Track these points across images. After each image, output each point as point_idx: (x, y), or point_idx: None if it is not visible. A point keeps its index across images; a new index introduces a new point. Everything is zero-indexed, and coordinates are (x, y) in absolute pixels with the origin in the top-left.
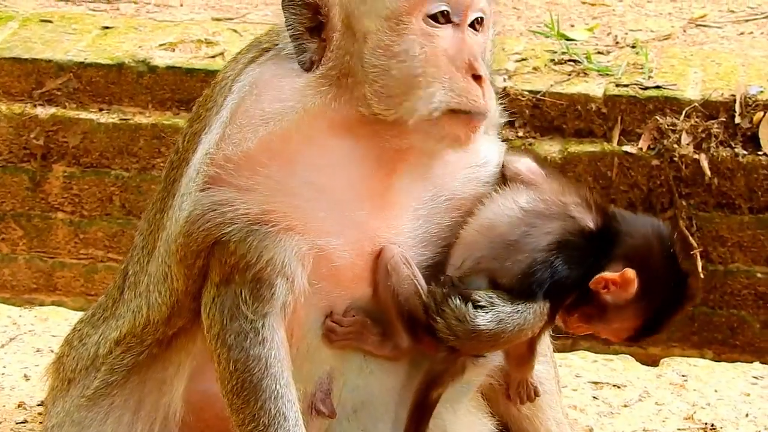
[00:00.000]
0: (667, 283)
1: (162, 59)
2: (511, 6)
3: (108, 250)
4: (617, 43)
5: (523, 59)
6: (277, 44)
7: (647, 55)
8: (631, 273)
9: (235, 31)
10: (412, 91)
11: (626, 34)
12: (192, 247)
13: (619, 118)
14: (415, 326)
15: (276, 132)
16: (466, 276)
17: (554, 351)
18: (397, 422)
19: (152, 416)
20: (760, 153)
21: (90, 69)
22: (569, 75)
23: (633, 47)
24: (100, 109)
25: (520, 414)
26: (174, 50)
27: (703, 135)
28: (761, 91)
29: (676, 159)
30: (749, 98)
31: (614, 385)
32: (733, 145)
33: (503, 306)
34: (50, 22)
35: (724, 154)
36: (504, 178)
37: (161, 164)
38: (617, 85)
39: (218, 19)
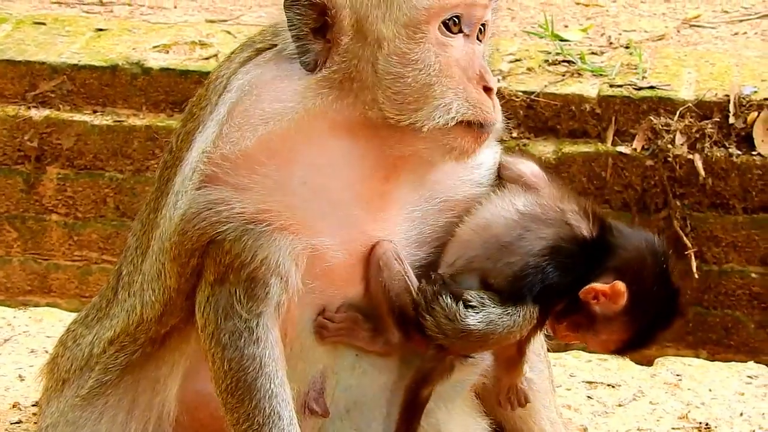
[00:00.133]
0: (657, 299)
1: (156, 61)
2: (505, 7)
3: (102, 252)
4: (611, 43)
5: (517, 60)
6: (274, 44)
7: (641, 56)
8: (621, 286)
9: (229, 32)
10: (427, 100)
11: (620, 34)
12: (186, 246)
13: (613, 119)
14: (405, 323)
15: (275, 131)
16: (458, 274)
17: (548, 350)
18: (389, 421)
19: (146, 416)
20: (754, 153)
21: (84, 71)
22: (563, 75)
23: (627, 48)
24: (94, 111)
25: (514, 413)
26: (168, 52)
27: (697, 135)
28: (755, 92)
29: (670, 159)
30: (743, 98)
31: (608, 385)
32: (727, 146)
33: (493, 307)
34: (44, 24)
35: (718, 155)
36: (503, 179)
37: (155, 166)
38: (611, 86)
39: (212, 21)
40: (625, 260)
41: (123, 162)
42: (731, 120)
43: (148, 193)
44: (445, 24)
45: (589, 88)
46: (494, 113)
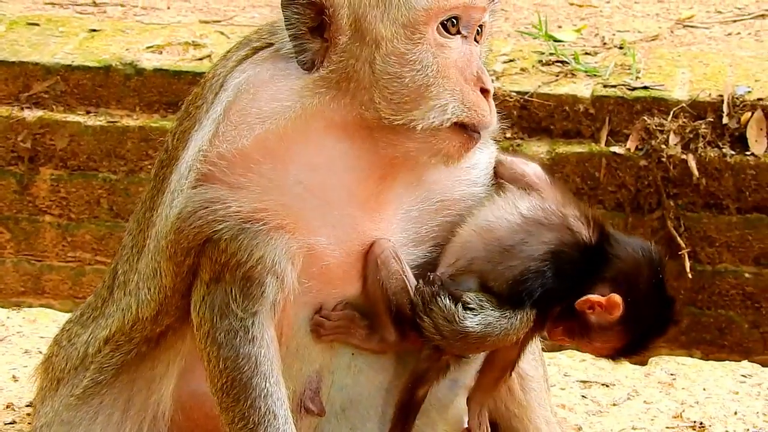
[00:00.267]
0: (652, 310)
1: (149, 62)
2: (498, 7)
3: (96, 253)
4: (605, 44)
5: (511, 60)
6: (270, 43)
7: (635, 56)
8: (617, 299)
9: (223, 33)
10: (423, 100)
11: (614, 35)
12: (183, 244)
13: (607, 119)
14: (402, 321)
15: (272, 130)
16: (457, 274)
17: (543, 350)
18: (384, 420)
19: (141, 415)
20: (747, 153)
21: (77, 72)
22: (557, 76)
23: (620, 48)
24: (88, 112)
25: (509, 412)
26: (161, 53)
27: (691, 135)
28: (749, 92)
29: (663, 159)
30: (737, 98)
31: (603, 384)
32: (721, 146)
33: (492, 310)
34: (37, 25)
35: (712, 155)
36: (503, 179)
37: (149, 167)
38: (605, 86)
39: (205, 22)
40: (622, 270)
41: (116, 163)
42: (725, 120)
43: (141, 193)
44: (443, 25)
45: (582, 88)
46: (489, 116)
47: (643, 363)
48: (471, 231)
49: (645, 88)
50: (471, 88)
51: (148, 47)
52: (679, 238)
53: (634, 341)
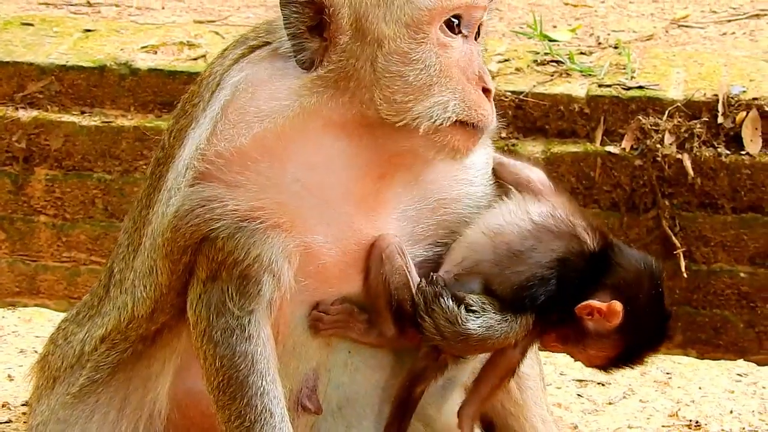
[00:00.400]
0: (650, 322)
1: (144, 62)
2: (495, 6)
3: (91, 253)
4: (600, 43)
5: (506, 60)
6: (268, 42)
7: (630, 56)
8: (618, 306)
9: (217, 33)
10: (425, 99)
11: (608, 34)
12: (179, 243)
13: (602, 119)
14: (402, 317)
15: (270, 129)
16: (462, 275)
17: (539, 348)
18: (381, 418)
19: (137, 414)
20: (742, 153)
21: (72, 72)
22: (552, 76)
23: (615, 48)
24: (82, 112)
25: (505, 411)
26: (156, 53)
27: (686, 135)
28: (744, 91)
29: (659, 159)
30: (732, 98)
31: (599, 383)
32: (716, 145)
33: (493, 313)
34: (31, 25)
35: (707, 154)
36: (505, 182)
37: (144, 167)
38: (600, 86)
39: (200, 22)
40: (623, 280)
41: (111, 163)
42: (720, 120)
43: (136, 193)
44: (446, 24)
45: (577, 88)
46: (490, 115)
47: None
48: (480, 233)
49: (640, 87)
50: (473, 87)
51: (143, 47)
52: (674, 238)
53: (627, 352)
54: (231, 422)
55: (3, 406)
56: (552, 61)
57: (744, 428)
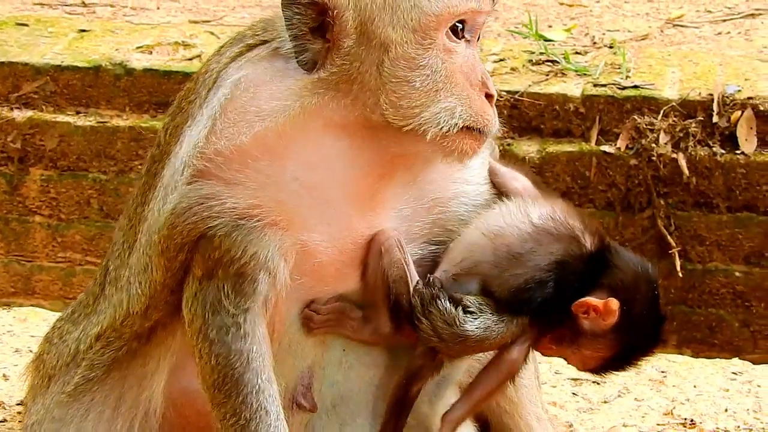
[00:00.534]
0: (645, 323)
1: (139, 62)
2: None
3: (86, 254)
4: (595, 43)
5: (501, 60)
6: (265, 40)
7: (625, 55)
8: (615, 304)
9: (212, 33)
10: (431, 104)
11: (604, 34)
12: (176, 240)
13: (597, 118)
14: (398, 311)
15: (271, 128)
16: (460, 275)
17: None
18: (375, 416)
19: (133, 412)
20: (737, 152)
21: (67, 72)
22: (547, 75)
23: (610, 47)
24: (78, 112)
25: (499, 409)
26: (151, 53)
27: (681, 134)
28: (739, 91)
29: (654, 158)
30: (727, 97)
31: (594, 382)
32: (711, 145)
33: (491, 314)
34: (26, 25)
35: (702, 154)
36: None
37: (139, 167)
38: (595, 85)
39: (195, 22)
40: (620, 280)
41: (106, 163)
42: (715, 119)
43: (132, 194)
44: (451, 30)
45: (573, 87)
46: (494, 121)
47: None
48: (480, 234)
49: (635, 87)
50: (476, 93)
51: (138, 47)
52: (669, 237)
53: (620, 354)
54: (226, 420)
55: None
56: (547, 60)
57: (739, 426)
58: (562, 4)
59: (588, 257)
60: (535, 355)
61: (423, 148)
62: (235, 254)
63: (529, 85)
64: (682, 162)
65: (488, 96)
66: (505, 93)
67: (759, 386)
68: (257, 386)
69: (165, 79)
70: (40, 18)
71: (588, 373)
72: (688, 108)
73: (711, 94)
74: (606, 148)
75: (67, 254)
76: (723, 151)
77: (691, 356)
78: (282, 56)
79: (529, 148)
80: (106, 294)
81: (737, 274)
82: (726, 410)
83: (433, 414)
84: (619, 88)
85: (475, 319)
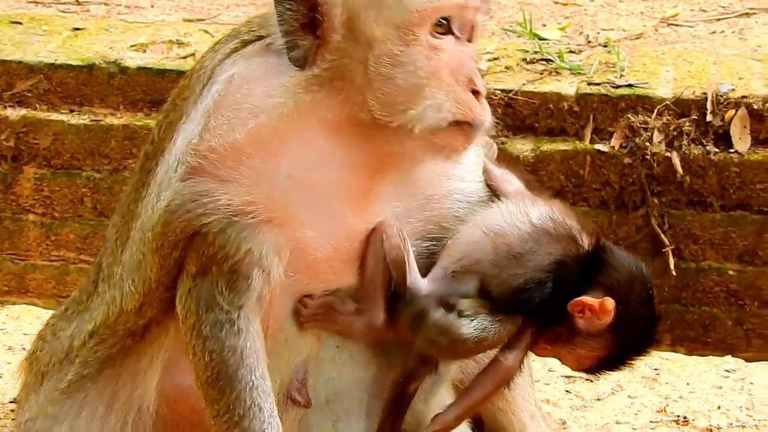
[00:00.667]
0: (640, 323)
1: (133, 60)
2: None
3: (80, 252)
4: (589, 42)
5: (496, 58)
6: (260, 36)
7: (619, 54)
8: (610, 303)
9: (207, 32)
10: (417, 101)
11: (598, 33)
12: (170, 238)
13: (591, 117)
14: (395, 303)
15: (265, 125)
16: (459, 272)
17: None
18: (369, 413)
19: (126, 409)
20: (731, 151)
21: (60, 70)
22: (541, 74)
23: (605, 46)
24: (71, 111)
25: (493, 406)
26: (145, 51)
27: (675, 133)
28: (732, 89)
29: (648, 157)
30: (721, 96)
31: (587, 379)
32: (705, 143)
33: (486, 314)
34: (20, 23)
35: (696, 152)
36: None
37: (133, 165)
38: (589, 84)
39: (189, 20)
40: (616, 279)
41: (100, 161)
42: (709, 118)
43: (125, 190)
44: (436, 26)
45: (567, 86)
46: (483, 114)
47: None
48: (481, 232)
49: (629, 86)
50: (462, 89)
51: (132, 46)
52: (663, 236)
53: (615, 354)
54: (220, 417)
55: None
56: (541, 59)
57: (731, 424)
58: (556, 2)
59: (587, 257)
60: (529, 353)
61: (412, 145)
62: (229, 251)
63: (524, 84)
64: (676, 161)
65: (476, 93)
66: (499, 92)
67: (752, 384)
68: (251, 383)
69: (159, 77)
70: (34, 16)
71: (582, 372)
72: (682, 107)
73: (705, 93)
74: (600, 146)
75: (61, 253)
76: (717, 150)
77: (685, 354)
78: (276, 53)
79: (523, 146)
80: (100, 291)
81: (731, 272)
82: (719, 408)
83: (428, 411)
84: (613, 87)
85: (472, 321)
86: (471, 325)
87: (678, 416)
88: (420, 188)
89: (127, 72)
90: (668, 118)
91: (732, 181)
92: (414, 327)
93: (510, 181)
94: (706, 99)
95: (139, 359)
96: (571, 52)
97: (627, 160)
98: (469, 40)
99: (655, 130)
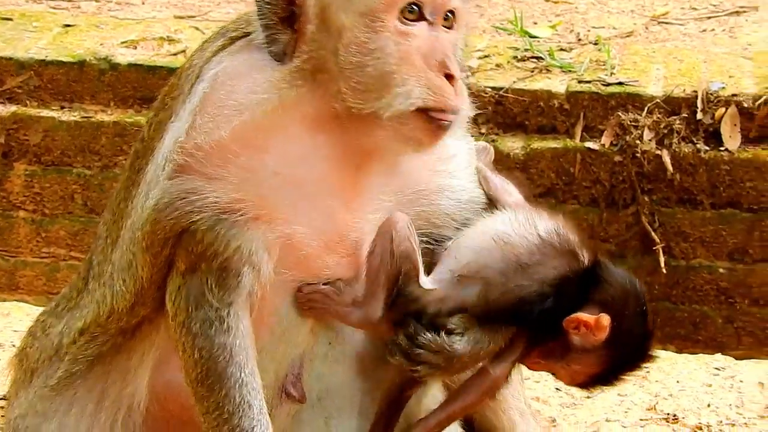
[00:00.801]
0: (634, 339)
1: (124, 57)
2: (474, 3)
3: (70, 249)
4: (580, 40)
5: (486, 56)
6: (247, 33)
7: (609, 52)
8: (606, 320)
9: (197, 28)
10: (388, 88)
11: (588, 31)
12: (159, 236)
13: (582, 115)
14: (395, 297)
15: (249, 122)
16: (464, 277)
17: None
18: (360, 412)
19: (116, 406)
20: (721, 149)
21: (51, 67)
22: (532, 72)
23: (595, 44)
24: (62, 107)
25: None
26: (136, 48)
27: (665, 131)
28: (723, 88)
29: (638, 155)
30: (711, 94)
31: None
32: (695, 141)
33: (475, 329)
34: (10, 20)
35: (686, 150)
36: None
37: (124, 162)
38: (580, 82)
39: (180, 17)
40: (611, 296)
41: (91, 158)
42: (699, 116)
43: (115, 188)
44: (407, 12)
45: (557, 84)
46: (456, 100)
47: None
48: (490, 239)
49: (620, 83)
50: (435, 74)
51: (123, 42)
52: (653, 234)
53: (609, 370)
54: (209, 414)
55: None
56: (532, 57)
57: (721, 421)
58: (547, 0)
59: (585, 272)
60: (518, 365)
61: (382, 135)
62: (218, 248)
63: (514, 82)
64: (666, 158)
65: (450, 77)
66: (489, 89)
67: (741, 382)
68: (240, 380)
69: (150, 74)
70: (25, 12)
71: (576, 387)
72: (672, 105)
73: (695, 91)
74: (590, 144)
75: (51, 249)
76: (707, 148)
77: (675, 352)
78: (259, 48)
79: (513, 144)
80: (90, 288)
81: (721, 270)
82: (708, 405)
83: (419, 410)
84: (604, 85)
85: (462, 336)
86: (463, 341)
87: (668, 414)
88: (408, 183)
89: (118, 69)
90: (658, 116)
91: (722, 179)
92: (411, 360)
93: (510, 192)
94: (696, 97)
95: (130, 357)
96: (561, 50)
97: (617, 158)
98: (450, 27)
99: (646, 128)
